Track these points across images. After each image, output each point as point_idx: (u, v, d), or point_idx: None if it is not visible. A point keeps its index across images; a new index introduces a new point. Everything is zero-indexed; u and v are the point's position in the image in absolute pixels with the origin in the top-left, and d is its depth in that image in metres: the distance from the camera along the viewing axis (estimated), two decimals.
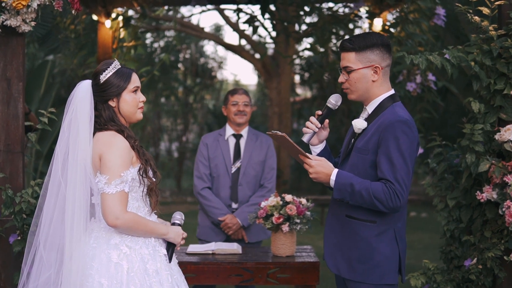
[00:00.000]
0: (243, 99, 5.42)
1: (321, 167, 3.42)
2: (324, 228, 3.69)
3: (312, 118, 3.59)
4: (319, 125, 3.59)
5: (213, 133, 5.57)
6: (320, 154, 3.66)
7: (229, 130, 5.47)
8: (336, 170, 3.42)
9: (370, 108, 3.52)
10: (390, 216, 3.43)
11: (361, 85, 3.48)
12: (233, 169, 5.39)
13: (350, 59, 3.48)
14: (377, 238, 3.42)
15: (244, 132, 5.47)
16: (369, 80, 3.47)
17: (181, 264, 3.56)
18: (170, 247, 3.37)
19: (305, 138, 3.59)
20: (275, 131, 3.45)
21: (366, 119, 3.52)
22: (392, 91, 3.54)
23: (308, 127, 3.58)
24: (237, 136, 5.45)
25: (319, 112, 3.61)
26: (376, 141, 3.38)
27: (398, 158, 3.31)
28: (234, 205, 5.35)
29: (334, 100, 3.59)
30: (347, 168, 3.49)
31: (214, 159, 5.39)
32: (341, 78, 3.54)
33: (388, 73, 3.53)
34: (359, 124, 3.49)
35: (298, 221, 4.58)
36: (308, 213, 4.64)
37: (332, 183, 3.40)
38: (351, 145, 3.55)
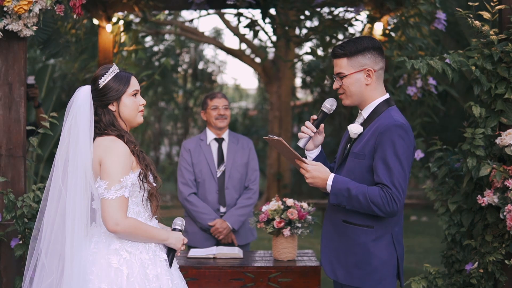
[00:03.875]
0: (222, 103, 5.41)
1: (318, 172, 3.43)
2: (321, 234, 3.68)
3: (308, 123, 3.60)
4: (315, 130, 3.59)
5: (194, 138, 5.55)
6: (315, 159, 3.66)
7: (210, 135, 5.46)
8: (332, 175, 3.42)
9: (365, 113, 3.53)
10: (387, 220, 3.43)
11: (355, 89, 3.48)
12: (218, 173, 5.39)
13: (342, 65, 3.49)
14: (375, 243, 3.42)
15: (225, 135, 5.48)
16: (363, 84, 3.48)
17: (182, 269, 3.56)
18: (171, 252, 3.36)
19: (301, 143, 3.60)
20: (272, 136, 3.46)
21: (361, 124, 3.52)
22: (387, 95, 3.55)
23: (303, 132, 3.58)
24: (219, 140, 5.46)
25: (314, 117, 3.62)
26: (372, 146, 3.38)
27: (395, 162, 3.31)
28: (222, 209, 5.36)
29: (329, 105, 3.59)
30: (344, 173, 3.49)
31: (198, 165, 5.38)
32: (335, 85, 3.55)
33: (381, 76, 3.54)
34: (355, 129, 3.50)
35: (299, 225, 4.58)
36: (309, 217, 4.64)
37: (328, 188, 3.41)
38: (347, 150, 3.55)
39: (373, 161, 3.38)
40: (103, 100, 3.31)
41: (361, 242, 3.42)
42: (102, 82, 3.31)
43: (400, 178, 3.31)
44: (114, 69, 3.35)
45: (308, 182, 3.47)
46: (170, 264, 3.33)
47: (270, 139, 3.47)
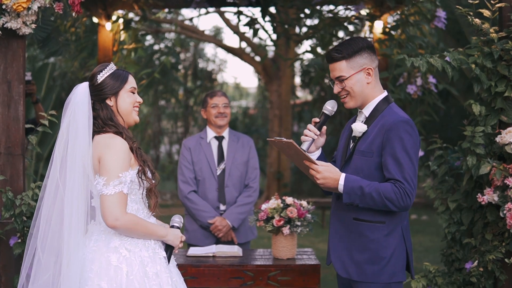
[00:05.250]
0: (222, 101, 5.42)
1: (329, 173, 3.44)
2: (329, 233, 3.69)
3: (310, 126, 3.62)
4: (318, 132, 3.61)
5: (195, 137, 5.56)
6: None
7: (210, 133, 5.47)
8: (344, 174, 3.43)
9: (366, 111, 3.56)
10: (397, 215, 3.46)
11: (357, 89, 3.51)
12: (218, 171, 5.39)
13: (341, 68, 3.51)
14: (387, 238, 3.45)
15: (226, 133, 5.48)
16: (364, 83, 3.51)
17: (181, 267, 3.55)
18: (169, 249, 3.37)
19: (304, 146, 3.60)
20: (280, 138, 3.44)
21: (364, 122, 3.55)
22: (385, 93, 3.58)
23: (307, 135, 3.60)
24: (219, 138, 5.46)
25: (316, 120, 3.64)
26: (380, 143, 3.41)
27: (405, 157, 3.35)
28: (222, 207, 5.36)
29: (330, 107, 3.61)
30: (350, 171, 3.50)
31: (198, 163, 5.38)
32: (336, 89, 3.56)
33: (378, 73, 3.58)
34: (359, 127, 3.51)
35: (298, 223, 4.58)
36: (309, 215, 4.63)
37: (340, 187, 3.42)
38: (351, 149, 3.56)
39: (381, 158, 3.41)
40: (100, 94, 3.33)
41: (373, 239, 3.45)
42: (100, 77, 3.33)
43: (410, 172, 3.36)
44: (112, 67, 3.38)
45: (319, 183, 3.47)
46: (168, 261, 3.34)
47: (278, 141, 3.45)
